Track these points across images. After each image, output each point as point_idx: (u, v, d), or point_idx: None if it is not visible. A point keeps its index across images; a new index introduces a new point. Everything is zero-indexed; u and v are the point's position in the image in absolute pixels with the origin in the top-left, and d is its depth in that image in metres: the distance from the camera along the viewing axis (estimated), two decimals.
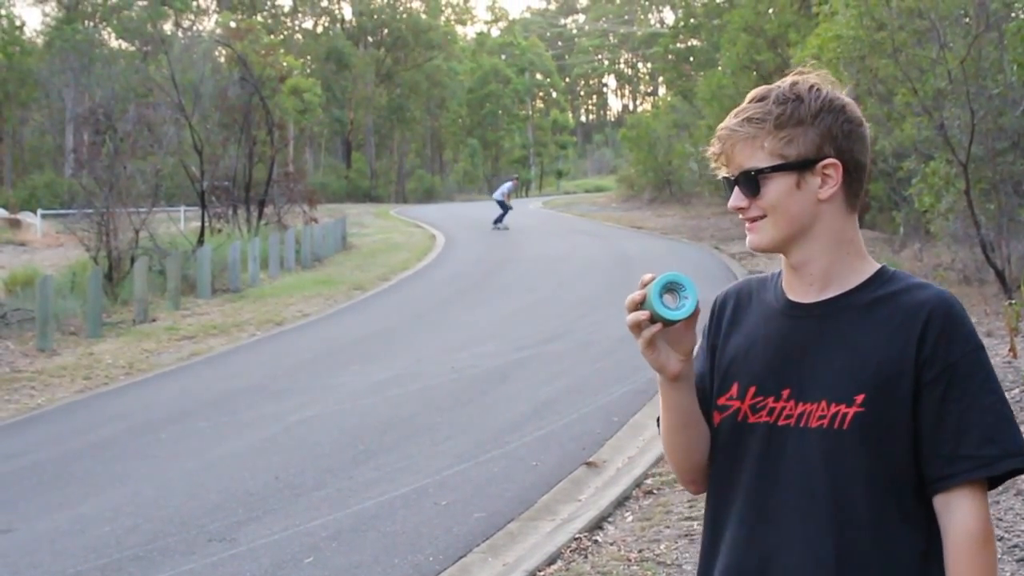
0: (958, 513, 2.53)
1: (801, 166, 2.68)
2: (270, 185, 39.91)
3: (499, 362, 16.81)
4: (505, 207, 46.40)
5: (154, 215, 31.31)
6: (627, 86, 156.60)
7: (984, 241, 19.23)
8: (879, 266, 2.72)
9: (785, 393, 2.67)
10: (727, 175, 2.79)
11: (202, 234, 34.74)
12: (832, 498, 2.60)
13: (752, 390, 2.72)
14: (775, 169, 2.70)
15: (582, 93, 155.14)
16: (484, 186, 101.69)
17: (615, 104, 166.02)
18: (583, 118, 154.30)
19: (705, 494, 2.86)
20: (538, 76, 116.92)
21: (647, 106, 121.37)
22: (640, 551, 8.48)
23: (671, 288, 2.69)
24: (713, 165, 2.83)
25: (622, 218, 53.56)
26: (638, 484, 10.46)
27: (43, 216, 47.47)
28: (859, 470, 2.58)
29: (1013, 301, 12.00)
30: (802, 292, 2.74)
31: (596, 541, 8.93)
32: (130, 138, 31.25)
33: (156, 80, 42.58)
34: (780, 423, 2.66)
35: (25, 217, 48.82)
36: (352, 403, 14.45)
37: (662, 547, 8.53)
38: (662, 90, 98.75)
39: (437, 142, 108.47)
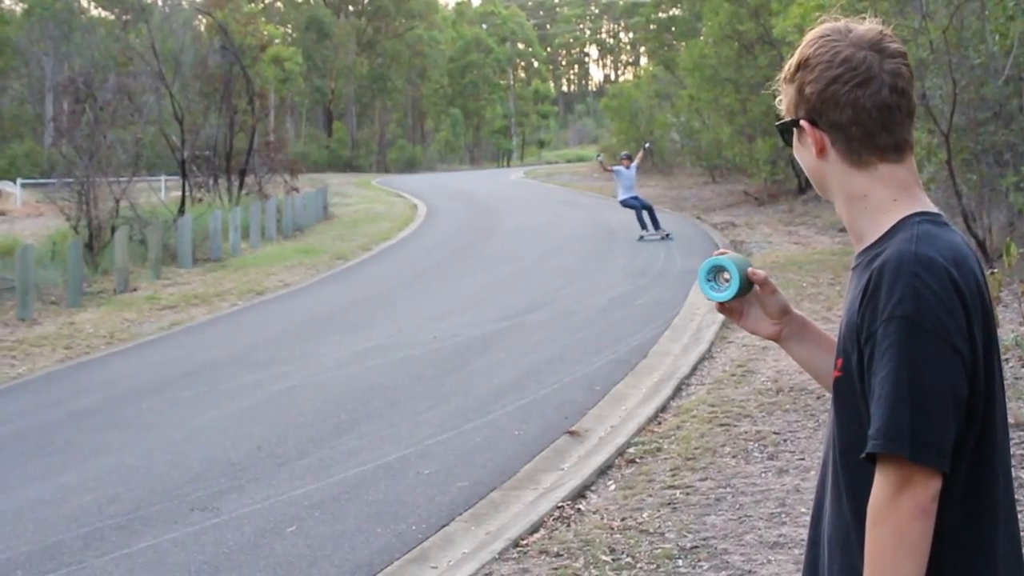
0: (874, 487, 2.48)
1: (789, 124, 2.71)
2: (251, 154, 39.78)
3: (481, 331, 16.80)
4: (641, 203, 30.38)
5: (134, 184, 31.20)
6: (609, 56, 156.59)
7: (965, 211, 19.26)
8: (901, 217, 2.63)
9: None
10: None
11: (183, 204, 34.63)
12: (828, 456, 2.65)
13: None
14: (779, 125, 2.76)
15: (564, 63, 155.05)
16: (466, 156, 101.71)
17: (597, 74, 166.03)
18: (565, 88, 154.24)
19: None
20: (520, 46, 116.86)
21: (629, 76, 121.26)
22: (623, 519, 8.49)
23: (718, 270, 2.83)
24: None
25: (604, 188, 53.49)
26: (620, 453, 10.46)
27: (22, 185, 47.29)
28: (835, 434, 2.60)
29: (994, 271, 12.00)
30: (854, 245, 2.74)
31: (579, 510, 8.94)
32: (110, 107, 31.09)
33: (136, 49, 42.35)
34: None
35: (4, 186, 48.62)
36: (334, 372, 14.44)
37: (644, 515, 8.53)
38: (644, 60, 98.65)
39: (418, 112, 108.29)
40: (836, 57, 2.60)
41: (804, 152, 2.71)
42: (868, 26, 2.64)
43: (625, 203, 30.25)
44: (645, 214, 29.72)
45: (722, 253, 2.86)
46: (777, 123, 2.76)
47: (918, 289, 2.45)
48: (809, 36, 2.67)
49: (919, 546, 2.38)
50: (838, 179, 2.66)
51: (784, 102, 2.71)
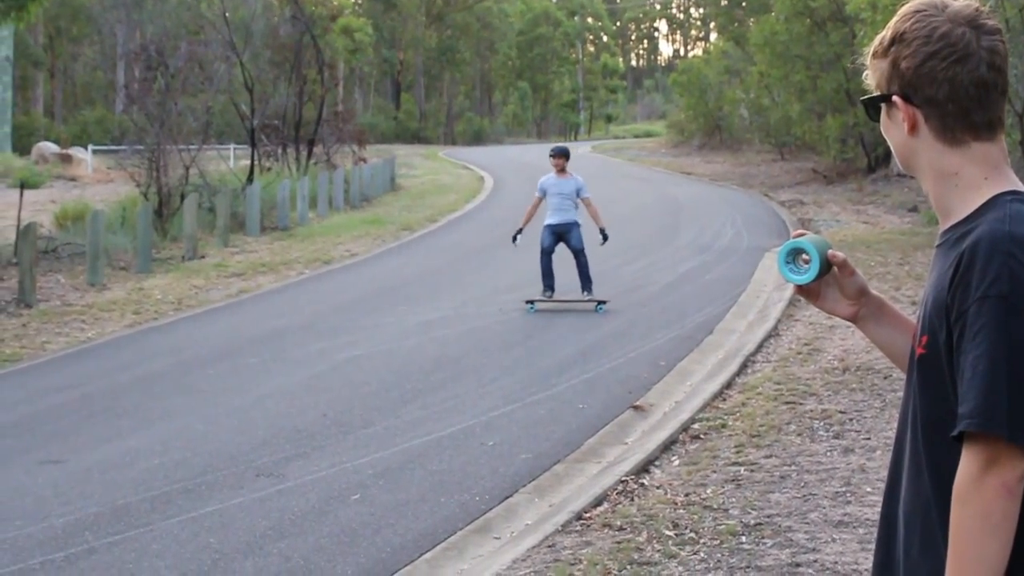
0: (959, 467, 2.45)
1: (880, 99, 2.66)
2: (320, 124, 39.89)
3: (546, 305, 16.80)
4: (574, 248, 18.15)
5: (204, 152, 31.39)
6: (678, 31, 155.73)
7: None
8: (992, 195, 2.59)
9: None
10: None
11: (251, 172, 34.80)
12: (910, 435, 2.60)
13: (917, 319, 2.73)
14: (868, 100, 2.70)
15: (633, 38, 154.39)
16: (533, 129, 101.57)
17: (666, 49, 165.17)
18: (633, 63, 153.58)
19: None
20: (588, 20, 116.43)
21: (698, 51, 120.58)
22: (687, 495, 8.48)
23: (798, 252, 2.80)
24: None
25: (671, 164, 53.38)
26: (685, 428, 10.45)
27: (94, 152, 47.70)
28: (919, 413, 2.56)
29: None
30: (940, 222, 2.71)
31: (642, 484, 8.93)
32: (181, 75, 31.30)
33: (207, 17, 42.62)
34: (913, 347, 2.66)
35: (76, 152, 49.09)
36: (399, 343, 14.49)
37: (708, 491, 8.52)
38: (714, 35, 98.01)
39: (486, 84, 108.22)
40: (934, 33, 2.56)
41: (893, 128, 2.66)
42: (964, 2, 2.59)
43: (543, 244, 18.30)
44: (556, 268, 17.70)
45: (801, 235, 2.82)
46: (864, 98, 2.71)
47: (1013, 269, 2.42)
48: (903, 11, 2.62)
49: (1004, 526, 2.36)
50: (929, 156, 2.62)
51: (873, 77, 2.67)
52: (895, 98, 2.62)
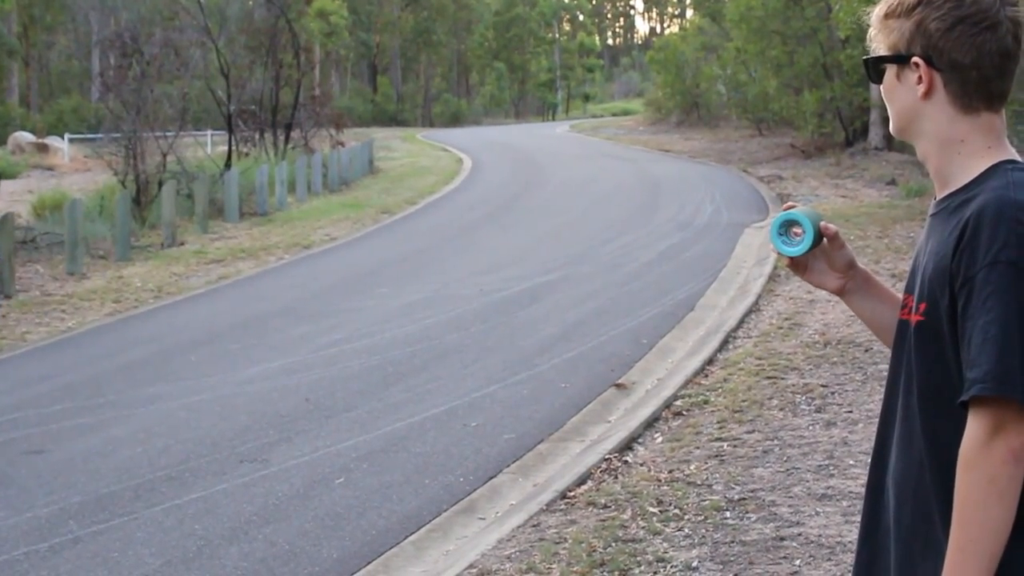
0: (965, 434, 2.45)
1: (895, 60, 2.63)
2: (297, 109, 39.82)
3: (527, 285, 16.81)
4: None
5: (181, 139, 31.30)
6: (654, 8, 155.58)
7: None
8: (992, 164, 2.59)
9: (914, 292, 2.64)
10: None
11: (229, 158, 34.71)
12: (902, 399, 2.60)
13: (906, 288, 2.72)
14: (876, 60, 2.66)
15: (609, 16, 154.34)
16: (511, 110, 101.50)
17: (642, 27, 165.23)
18: (610, 41, 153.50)
19: None
20: None
21: (675, 28, 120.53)
22: (670, 471, 8.49)
23: (791, 224, 2.79)
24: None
25: (649, 141, 53.38)
26: (667, 405, 10.46)
27: (70, 140, 47.52)
28: (917, 375, 2.56)
29: None
30: (936, 190, 2.69)
31: (626, 462, 8.95)
32: (156, 61, 31.20)
33: (182, 3, 42.39)
34: (903, 317, 2.66)
35: (52, 141, 48.87)
36: (381, 326, 14.47)
37: (692, 467, 8.53)
38: (690, 12, 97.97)
39: (463, 66, 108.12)
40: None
41: (902, 90, 2.63)
42: None
43: None
44: None
45: (792, 207, 2.80)
46: (873, 56, 2.68)
47: (1021, 235, 2.43)
48: None
49: (1010, 491, 2.37)
50: (937, 121, 2.60)
51: (886, 38, 2.62)
52: (915, 60, 2.59)
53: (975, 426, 2.41)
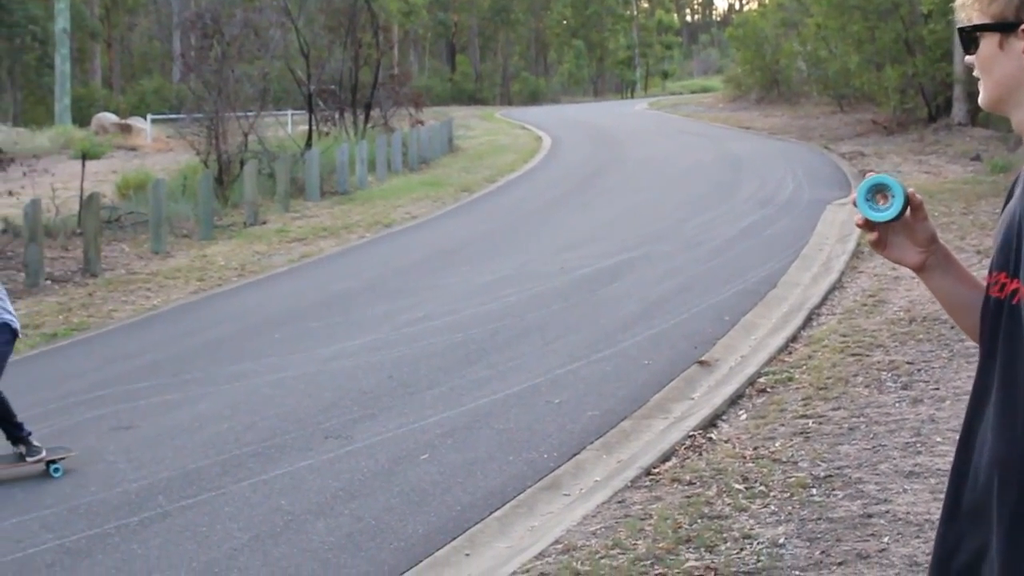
0: None
1: (1002, 28, 2.54)
2: (376, 88, 39.91)
3: (608, 262, 16.78)
4: None
5: (262, 119, 31.49)
6: None
7: None
8: None
9: (1008, 270, 2.56)
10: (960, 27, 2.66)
11: (310, 137, 34.87)
12: (1001, 379, 2.53)
13: (994, 265, 2.62)
14: (976, 28, 2.57)
15: None
16: (589, 88, 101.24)
17: (721, 3, 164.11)
18: (688, 18, 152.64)
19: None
20: None
21: (754, 5, 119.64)
22: (755, 448, 8.46)
23: (879, 190, 2.70)
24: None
25: (729, 118, 53.04)
26: (751, 382, 10.42)
27: (152, 121, 47.92)
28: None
29: None
30: None
31: (710, 439, 8.92)
32: (237, 42, 31.35)
33: None
34: (996, 295, 2.58)
35: (135, 122, 49.31)
36: (462, 303, 14.50)
37: (777, 444, 8.49)
38: None
39: (541, 44, 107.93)
40: None
41: (1003, 59, 2.54)
42: None
43: None
44: None
45: (873, 174, 2.76)
46: (975, 25, 2.58)
47: None
48: None
49: None
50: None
51: (988, 5, 2.53)
52: None
53: None
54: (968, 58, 2.63)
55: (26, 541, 7.55)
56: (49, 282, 17.33)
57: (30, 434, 9.06)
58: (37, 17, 60.64)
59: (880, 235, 2.75)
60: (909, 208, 2.71)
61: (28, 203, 17.82)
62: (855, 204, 2.73)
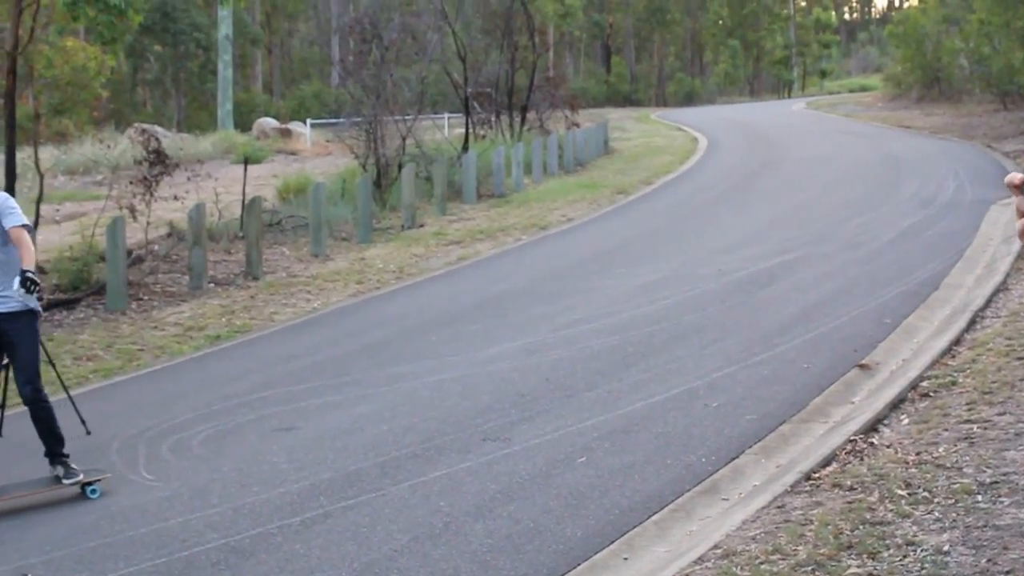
0: None
1: None
2: (532, 90, 40.05)
3: (765, 264, 16.63)
4: None
5: (419, 122, 31.74)
6: None
7: None
8: None
9: None
10: None
11: (466, 140, 35.09)
12: None
13: None
14: None
15: None
16: (745, 88, 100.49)
17: (880, 1, 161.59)
18: (846, 16, 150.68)
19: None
20: None
21: (915, 2, 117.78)
22: (918, 453, 8.31)
23: None
24: None
25: (888, 118, 52.26)
26: (913, 386, 10.25)
27: (312, 125, 48.60)
28: None
29: None
30: None
31: (872, 443, 8.79)
32: (395, 46, 31.63)
33: None
34: None
35: (295, 127, 50.08)
36: (619, 305, 14.48)
37: (940, 450, 8.34)
38: None
39: (697, 44, 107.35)
40: None
41: None
42: None
43: None
44: None
45: None
46: None
47: None
48: None
49: None
50: None
51: None
52: None
53: None
54: None
55: (191, 540, 7.71)
56: (212, 285, 17.69)
57: (68, 456, 9.09)
58: (201, 25, 61.95)
59: None
60: None
61: (192, 208, 18.21)
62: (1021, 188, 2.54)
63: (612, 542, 7.39)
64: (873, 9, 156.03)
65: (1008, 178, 2.47)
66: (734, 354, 11.77)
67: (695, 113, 67.02)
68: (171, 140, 36.23)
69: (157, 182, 19.22)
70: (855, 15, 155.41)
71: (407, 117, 30.22)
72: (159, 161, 19.33)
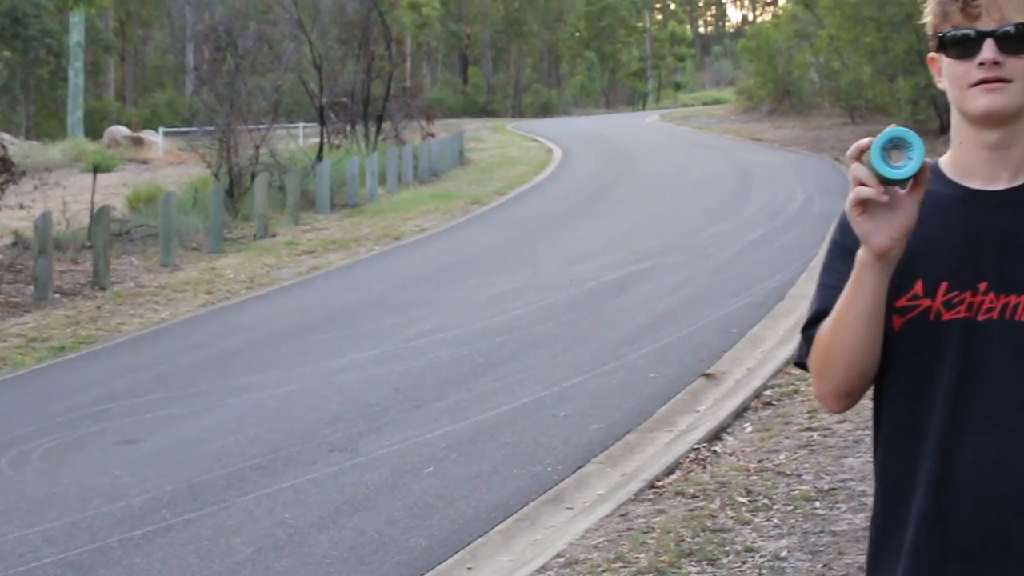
0: None
1: None
2: (388, 101, 39.96)
3: (617, 274, 16.77)
4: None
5: (273, 131, 31.53)
6: None
7: None
8: None
9: (982, 286, 2.47)
10: (985, 28, 2.48)
11: (321, 150, 34.90)
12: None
13: (944, 286, 2.48)
14: None
15: (701, 4, 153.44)
16: (601, 100, 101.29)
17: (734, 15, 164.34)
18: (701, 30, 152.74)
19: (876, 408, 2.70)
20: None
21: (767, 16, 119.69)
22: (759, 461, 8.45)
23: (897, 144, 2.38)
24: (936, 19, 2.58)
25: (741, 130, 53.05)
26: (757, 395, 10.41)
27: (165, 134, 48.01)
28: None
29: None
30: (988, 178, 2.53)
31: (715, 452, 8.91)
32: (250, 55, 31.40)
33: None
34: (981, 317, 2.47)
35: (147, 135, 49.42)
36: (471, 316, 14.50)
37: (781, 457, 8.48)
38: (782, 0, 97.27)
39: (554, 56, 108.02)
40: None
41: None
42: None
43: None
44: None
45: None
46: None
47: None
48: None
49: None
50: None
51: None
52: None
53: None
54: (993, 54, 2.48)
55: (28, 555, 7.55)
56: (58, 295, 17.37)
57: None
58: (52, 31, 60.82)
59: (870, 198, 2.43)
60: (910, 178, 2.42)
61: (39, 216, 17.86)
62: (861, 159, 2.46)
63: (456, 552, 7.39)
64: (727, 23, 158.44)
65: (856, 144, 2.45)
66: (583, 364, 11.84)
67: (551, 124, 67.37)
68: (19, 147, 35.56)
69: (3, 190, 18.84)
70: (710, 29, 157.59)
71: (261, 126, 29.99)
72: (5, 169, 18.97)
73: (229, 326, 15.15)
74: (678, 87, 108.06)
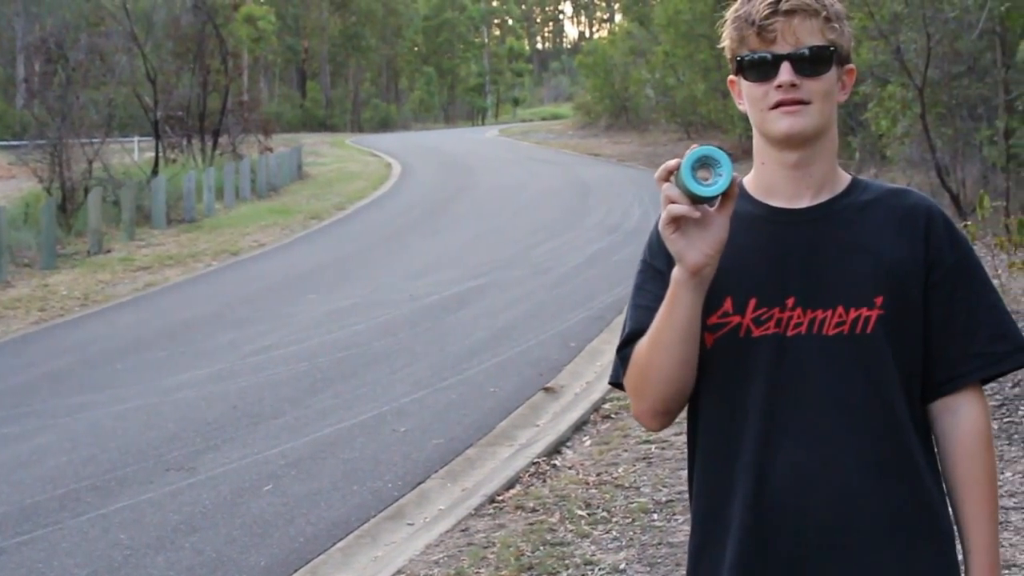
0: (969, 413, 2.53)
1: (843, 61, 2.61)
2: (224, 115, 39.54)
3: (457, 289, 16.80)
4: None
5: (107, 145, 31.03)
6: (583, 13, 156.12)
7: (939, 165, 19.30)
8: (851, 175, 2.66)
9: (790, 302, 2.53)
10: (782, 51, 2.53)
11: (156, 164, 34.44)
12: (863, 405, 2.52)
13: (752, 302, 2.54)
14: (835, 54, 2.58)
15: (538, 20, 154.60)
16: (440, 115, 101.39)
17: (571, 31, 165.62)
18: (539, 46, 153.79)
19: (691, 424, 2.75)
20: (494, 3, 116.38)
21: (604, 33, 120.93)
22: (598, 474, 8.51)
23: (705, 163, 2.42)
24: (734, 43, 2.60)
25: (579, 145, 53.49)
26: (596, 408, 10.49)
27: None
28: (886, 375, 2.51)
29: (968, 223, 12.07)
30: (791, 197, 2.60)
31: (554, 465, 8.96)
32: (82, 67, 30.91)
33: (108, 8, 41.98)
34: (790, 333, 2.53)
35: None
36: (309, 332, 14.42)
37: (620, 470, 8.56)
38: (619, 16, 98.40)
39: (393, 71, 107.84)
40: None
41: (831, 94, 2.59)
42: None
43: None
44: None
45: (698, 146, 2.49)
46: (836, 50, 2.58)
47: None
48: None
49: None
50: (835, 129, 2.64)
51: (838, 37, 2.57)
52: (849, 66, 2.64)
53: (985, 402, 2.56)
54: (790, 77, 2.53)
55: None
56: None
57: None
58: None
59: (682, 216, 2.44)
60: (718, 196, 2.45)
61: None
62: (672, 178, 2.47)
63: (296, 570, 7.34)
64: (565, 39, 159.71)
65: (663, 166, 2.48)
66: (423, 379, 11.84)
67: (391, 139, 67.29)
68: None
69: None
70: (548, 44, 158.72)
71: (95, 140, 29.50)
72: None
73: (63, 344, 14.87)
74: (517, 102, 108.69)
